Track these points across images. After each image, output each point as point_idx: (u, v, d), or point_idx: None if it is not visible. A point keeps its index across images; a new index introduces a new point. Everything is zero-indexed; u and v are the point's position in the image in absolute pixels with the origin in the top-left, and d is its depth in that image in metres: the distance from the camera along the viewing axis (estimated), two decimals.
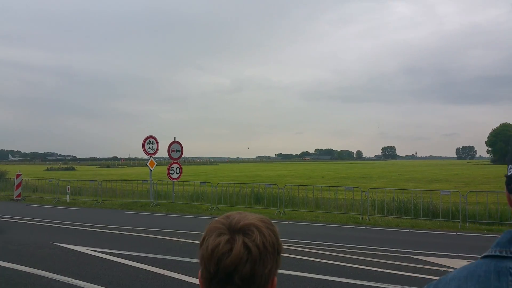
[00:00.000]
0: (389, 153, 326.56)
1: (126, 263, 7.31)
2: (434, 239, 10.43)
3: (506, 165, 0.94)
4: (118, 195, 19.19)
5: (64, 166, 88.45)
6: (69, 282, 6.37)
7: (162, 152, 19.12)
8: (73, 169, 77.08)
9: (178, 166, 17.89)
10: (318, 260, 7.72)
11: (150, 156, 17.90)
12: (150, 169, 17.82)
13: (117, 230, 10.91)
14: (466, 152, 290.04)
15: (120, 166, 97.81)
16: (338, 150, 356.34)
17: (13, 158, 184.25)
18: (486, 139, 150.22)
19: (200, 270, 0.98)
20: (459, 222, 12.18)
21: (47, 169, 71.39)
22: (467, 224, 12.02)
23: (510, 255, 0.80)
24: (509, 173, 0.90)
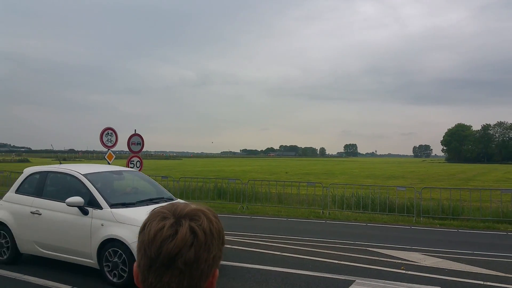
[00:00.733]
0: (350, 150, 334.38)
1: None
2: (390, 232, 10.83)
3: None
4: None
5: (17, 158, 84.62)
6: (18, 278, 6.17)
7: (122, 145, 18.65)
8: (28, 161, 73.76)
9: (138, 159, 17.52)
10: (279, 253, 7.85)
11: (109, 149, 17.43)
12: (108, 162, 17.33)
13: None
14: (422, 151, 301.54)
15: (78, 159, 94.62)
16: (303, 147, 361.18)
17: None
18: (442, 139, 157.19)
19: (136, 262, 0.94)
20: (413, 216, 12.69)
21: None
22: (421, 218, 12.54)
23: None
24: None
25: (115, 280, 5.81)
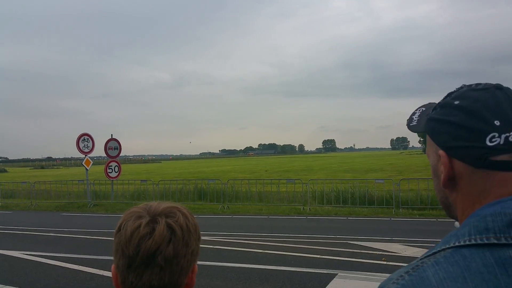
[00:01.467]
0: (329, 146, 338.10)
1: (63, 265, 7.03)
2: (370, 225, 10.98)
3: None
4: (53, 196, 18.21)
5: None
6: None
7: (100, 151, 18.34)
8: (5, 171, 71.71)
9: (116, 164, 17.28)
10: (261, 251, 7.85)
11: (86, 155, 17.14)
12: (86, 169, 17.07)
13: (52, 233, 10.39)
14: (400, 143, 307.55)
15: (56, 167, 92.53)
16: (281, 145, 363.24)
17: None
18: None
19: (113, 264, 0.93)
20: (393, 208, 12.90)
21: None
22: (401, 209, 12.76)
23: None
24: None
25: None
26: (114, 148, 17.45)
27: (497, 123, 0.70)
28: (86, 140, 17.13)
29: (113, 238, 0.94)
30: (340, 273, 6.16)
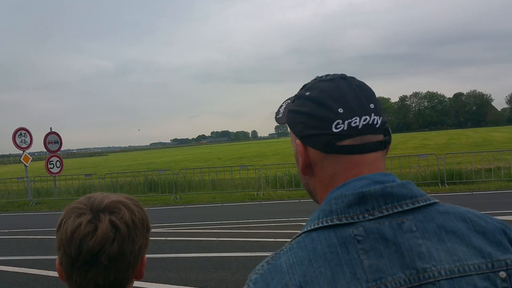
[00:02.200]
0: (282, 131, 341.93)
1: (3, 269, 6.59)
2: None
3: None
4: None
5: None
6: None
7: (39, 146, 17.40)
8: None
9: (58, 159, 16.43)
10: (215, 239, 7.79)
11: (24, 151, 16.16)
12: (25, 165, 16.12)
13: None
14: None
15: None
16: (234, 132, 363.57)
17: None
18: None
19: (58, 259, 0.89)
20: None
21: None
22: None
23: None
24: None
25: None
26: (54, 142, 16.54)
27: (340, 110, 0.75)
28: (23, 135, 16.12)
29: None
30: None
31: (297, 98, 0.83)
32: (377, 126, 0.76)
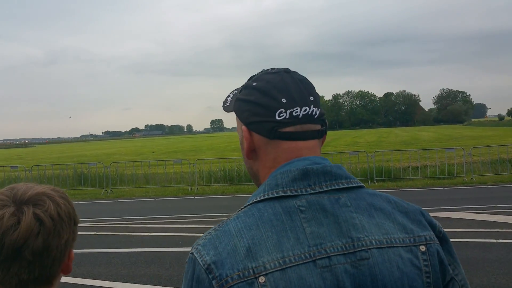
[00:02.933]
0: (217, 126, 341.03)
1: None
2: None
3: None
4: None
5: None
6: None
7: None
8: None
9: None
10: (148, 234, 7.74)
11: None
12: None
13: None
14: None
15: None
16: (169, 125, 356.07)
17: None
18: None
19: None
20: None
21: None
22: None
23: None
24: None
25: None
26: None
27: (284, 100, 0.84)
28: None
29: None
30: None
31: (244, 88, 0.91)
32: (316, 116, 0.86)
